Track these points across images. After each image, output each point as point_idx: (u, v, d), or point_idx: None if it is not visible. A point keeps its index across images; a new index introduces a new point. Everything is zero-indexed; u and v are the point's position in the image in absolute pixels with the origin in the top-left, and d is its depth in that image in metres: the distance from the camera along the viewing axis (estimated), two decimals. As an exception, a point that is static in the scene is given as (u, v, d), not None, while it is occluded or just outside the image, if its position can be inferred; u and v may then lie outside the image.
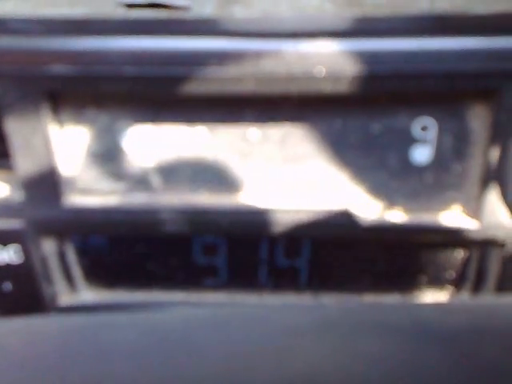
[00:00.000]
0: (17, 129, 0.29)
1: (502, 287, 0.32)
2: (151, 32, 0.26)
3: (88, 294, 0.36)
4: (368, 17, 0.26)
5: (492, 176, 0.29)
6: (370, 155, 0.30)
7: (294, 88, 0.27)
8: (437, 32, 0.26)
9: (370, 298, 0.35)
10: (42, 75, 0.27)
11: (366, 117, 0.28)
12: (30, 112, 0.28)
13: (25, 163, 0.30)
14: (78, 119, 0.29)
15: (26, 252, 0.33)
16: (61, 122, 0.29)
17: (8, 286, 0.34)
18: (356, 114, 0.28)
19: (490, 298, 0.31)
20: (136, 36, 0.26)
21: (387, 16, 0.26)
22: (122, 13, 0.26)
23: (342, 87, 0.26)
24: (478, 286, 0.32)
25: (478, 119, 0.28)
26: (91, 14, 0.27)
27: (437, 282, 0.34)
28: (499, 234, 0.30)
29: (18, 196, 0.31)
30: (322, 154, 0.30)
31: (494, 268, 0.31)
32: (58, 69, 0.27)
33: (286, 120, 0.29)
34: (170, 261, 0.35)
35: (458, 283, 0.33)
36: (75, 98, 0.29)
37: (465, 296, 0.33)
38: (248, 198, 0.31)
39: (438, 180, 0.30)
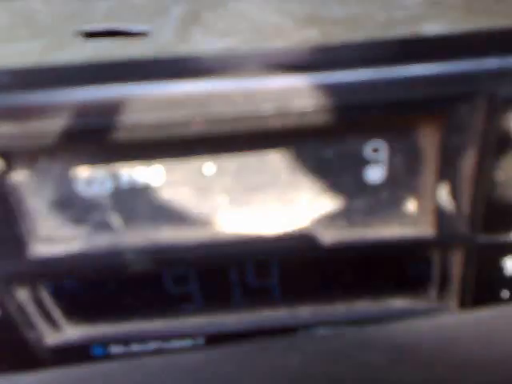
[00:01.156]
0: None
1: (465, 287, 0.33)
2: (98, 80, 0.26)
3: (72, 331, 0.37)
4: (314, 48, 0.26)
5: (446, 190, 0.29)
6: (325, 178, 0.30)
7: (243, 126, 0.27)
8: (383, 61, 0.26)
9: (342, 306, 0.36)
10: None
11: (319, 144, 0.29)
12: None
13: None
14: (32, 171, 0.29)
15: (1, 304, 0.33)
16: (14, 176, 0.29)
17: (-11, 337, 0.35)
18: (308, 143, 0.29)
19: (457, 316, 0.32)
20: (78, 86, 0.26)
21: (334, 47, 0.26)
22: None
23: (292, 122, 0.26)
24: (443, 288, 0.34)
25: (427, 139, 0.28)
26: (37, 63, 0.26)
27: (405, 287, 0.35)
28: (456, 241, 0.31)
29: (-18, 253, 0.31)
30: (279, 181, 0.30)
31: (456, 271, 0.32)
32: (5, 129, 0.26)
33: (240, 152, 0.29)
34: (144, 293, 0.35)
35: (424, 287, 0.34)
36: (25, 152, 0.28)
37: (432, 297, 0.34)
38: (211, 229, 0.31)
39: (394, 196, 0.30)
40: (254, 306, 0.36)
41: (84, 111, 0.26)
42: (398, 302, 0.35)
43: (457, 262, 0.32)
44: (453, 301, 0.34)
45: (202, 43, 0.28)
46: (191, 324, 0.36)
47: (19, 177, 0.29)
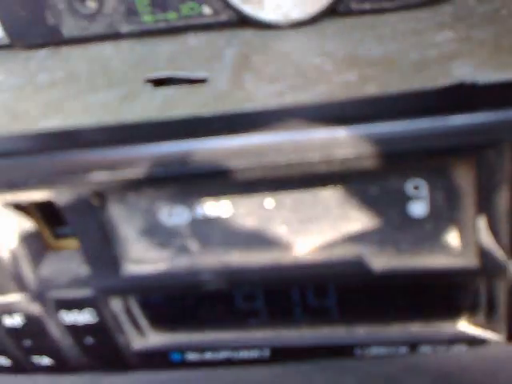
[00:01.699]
0: (78, 219, 0.35)
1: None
2: (180, 135, 0.31)
3: (155, 338, 0.43)
4: (356, 101, 0.29)
5: (485, 223, 0.32)
6: (373, 212, 0.33)
7: (294, 171, 0.31)
8: (419, 111, 0.29)
9: (396, 328, 0.39)
10: (92, 180, 0.33)
11: (364, 182, 0.32)
12: (85, 205, 0.35)
13: (87, 243, 0.36)
14: (123, 206, 0.35)
15: (99, 313, 0.40)
16: (110, 211, 0.35)
17: (89, 340, 0.41)
18: (354, 182, 0.32)
19: (504, 347, 0.34)
20: (157, 142, 0.31)
21: (374, 99, 0.29)
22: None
23: (337, 167, 0.30)
24: (490, 314, 0.36)
25: (464, 177, 0.30)
26: (121, 121, 0.32)
27: (454, 311, 0.37)
28: (498, 270, 0.33)
29: (85, 270, 0.38)
30: (331, 213, 0.34)
31: (501, 297, 0.34)
32: (102, 175, 0.32)
33: (295, 190, 0.34)
34: (217, 308, 0.40)
35: (472, 311, 0.36)
36: (120, 191, 0.35)
37: (481, 322, 0.36)
38: (274, 254, 0.36)
39: (437, 228, 0.33)
40: (313, 324, 0.40)
41: (163, 161, 0.31)
42: (449, 326, 0.38)
43: (502, 291, 0.34)
44: (501, 327, 0.36)
45: (255, 90, 0.32)
46: (258, 337, 0.41)
47: (113, 211, 0.35)
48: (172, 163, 0.31)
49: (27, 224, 0.37)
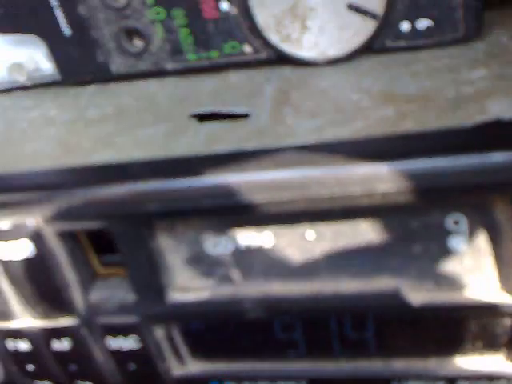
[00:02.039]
0: (129, 249, 0.37)
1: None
2: (227, 169, 0.33)
3: (194, 366, 0.44)
4: (395, 138, 0.31)
5: (523, 257, 0.32)
6: (412, 246, 0.34)
7: (335, 203, 0.32)
8: (457, 149, 0.30)
9: (434, 361, 0.39)
10: (143, 211, 0.35)
11: (404, 216, 0.33)
12: (136, 235, 0.36)
13: (135, 272, 0.38)
14: (170, 236, 0.37)
15: (143, 339, 0.41)
16: (158, 240, 0.37)
17: (132, 365, 0.42)
18: (394, 216, 0.33)
19: None
20: (211, 174, 0.33)
21: (414, 136, 0.30)
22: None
23: (378, 201, 0.31)
24: (530, 348, 0.36)
25: (503, 213, 0.31)
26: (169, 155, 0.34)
27: (492, 345, 0.37)
28: None
29: (131, 297, 0.39)
30: (371, 247, 0.35)
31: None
32: (152, 206, 0.34)
33: (335, 222, 0.35)
34: (257, 338, 0.41)
35: (510, 345, 0.36)
36: (168, 222, 0.36)
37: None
38: (313, 285, 0.37)
39: (477, 263, 0.34)
40: (351, 356, 0.41)
41: (209, 194, 0.33)
42: (487, 362, 0.38)
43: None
44: (542, 363, 0.36)
45: (295, 125, 0.33)
46: (295, 368, 0.42)
47: (162, 241, 0.37)
48: (218, 195, 0.33)
49: (78, 251, 0.39)
